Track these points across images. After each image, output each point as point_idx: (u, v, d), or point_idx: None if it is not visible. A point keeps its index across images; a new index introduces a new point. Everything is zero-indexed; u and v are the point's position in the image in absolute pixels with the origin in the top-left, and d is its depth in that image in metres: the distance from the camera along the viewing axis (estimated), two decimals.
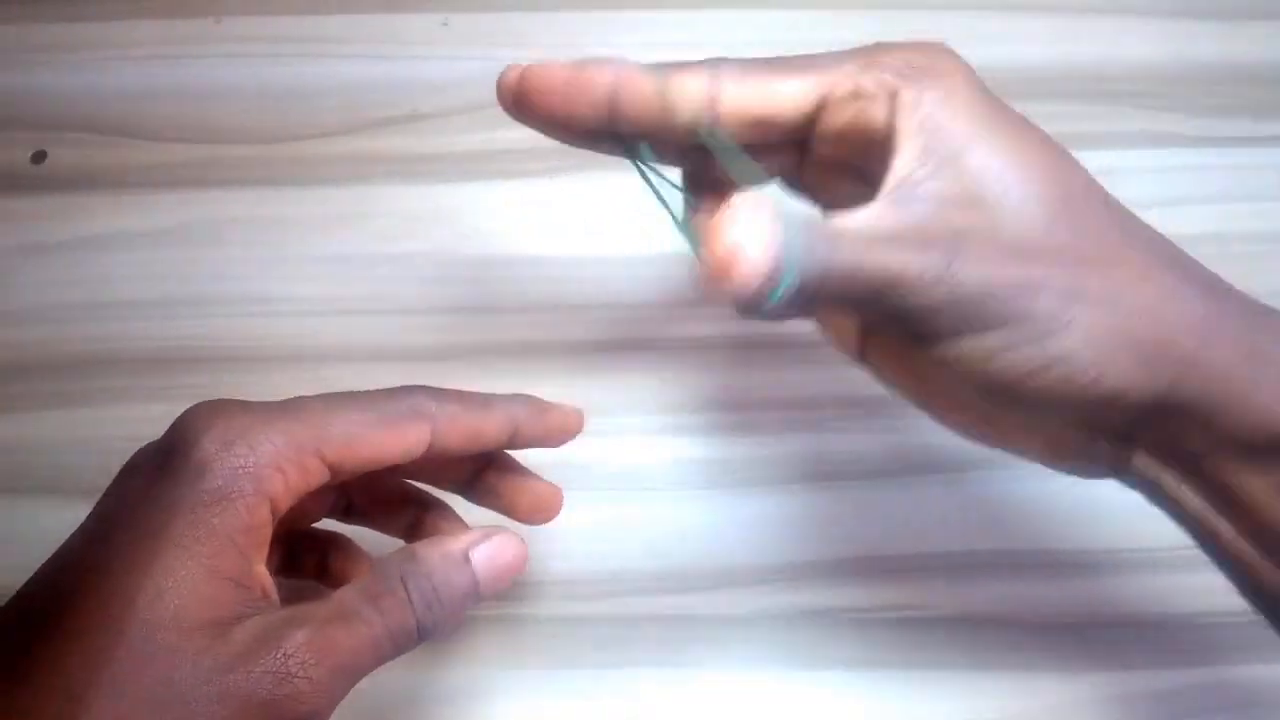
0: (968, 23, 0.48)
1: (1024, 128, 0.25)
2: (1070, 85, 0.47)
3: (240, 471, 0.25)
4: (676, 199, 0.29)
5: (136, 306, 0.42)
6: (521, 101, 0.27)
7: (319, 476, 0.27)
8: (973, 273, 0.24)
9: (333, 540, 0.33)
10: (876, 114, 0.25)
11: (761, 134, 0.27)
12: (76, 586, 0.24)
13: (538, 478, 0.32)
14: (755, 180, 0.26)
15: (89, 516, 0.26)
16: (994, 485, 0.38)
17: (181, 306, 0.42)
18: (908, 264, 0.23)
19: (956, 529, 0.38)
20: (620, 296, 0.42)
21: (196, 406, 0.27)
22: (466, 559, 0.27)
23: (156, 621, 0.23)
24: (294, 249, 0.44)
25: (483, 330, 0.42)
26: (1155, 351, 0.24)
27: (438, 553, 0.27)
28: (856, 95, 0.26)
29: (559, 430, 0.31)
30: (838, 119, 0.26)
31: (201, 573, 0.24)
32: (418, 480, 0.32)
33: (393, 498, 0.33)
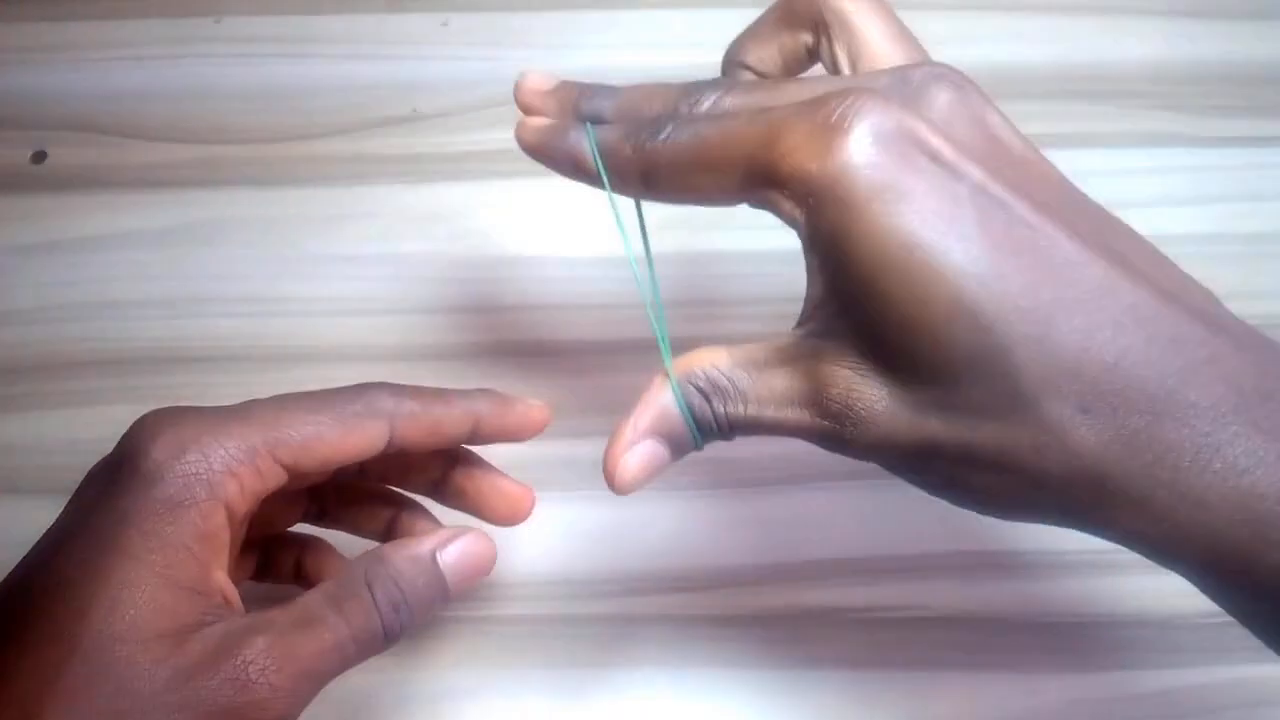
0: (967, 23, 0.48)
1: (942, 245, 0.22)
2: (1070, 85, 0.47)
3: (193, 478, 0.25)
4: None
5: (136, 306, 0.42)
6: (523, 148, 0.29)
7: (275, 479, 0.27)
8: (867, 437, 0.24)
9: (307, 544, 0.33)
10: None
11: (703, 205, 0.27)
12: (32, 600, 0.24)
13: (507, 477, 0.32)
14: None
15: (48, 530, 0.26)
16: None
17: (181, 306, 0.42)
18: (800, 425, 0.25)
19: (956, 529, 0.38)
20: (620, 296, 0.42)
21: (146, 416, 0.26)
22: (434, 560, 0.27)
23: (112, 633, 0.23)
24: (294, 249, 0.44)
25: (482, 330, 0.42)
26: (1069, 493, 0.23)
27: (404, 554, 0.27)
28: (767, 209, 0.24)
29: (521, 424, 0.31)
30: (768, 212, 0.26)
31: (157, 582, 0.24)
32: (386, 482, 0.32)
33: (366, 500, 0.33)
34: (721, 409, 0.25)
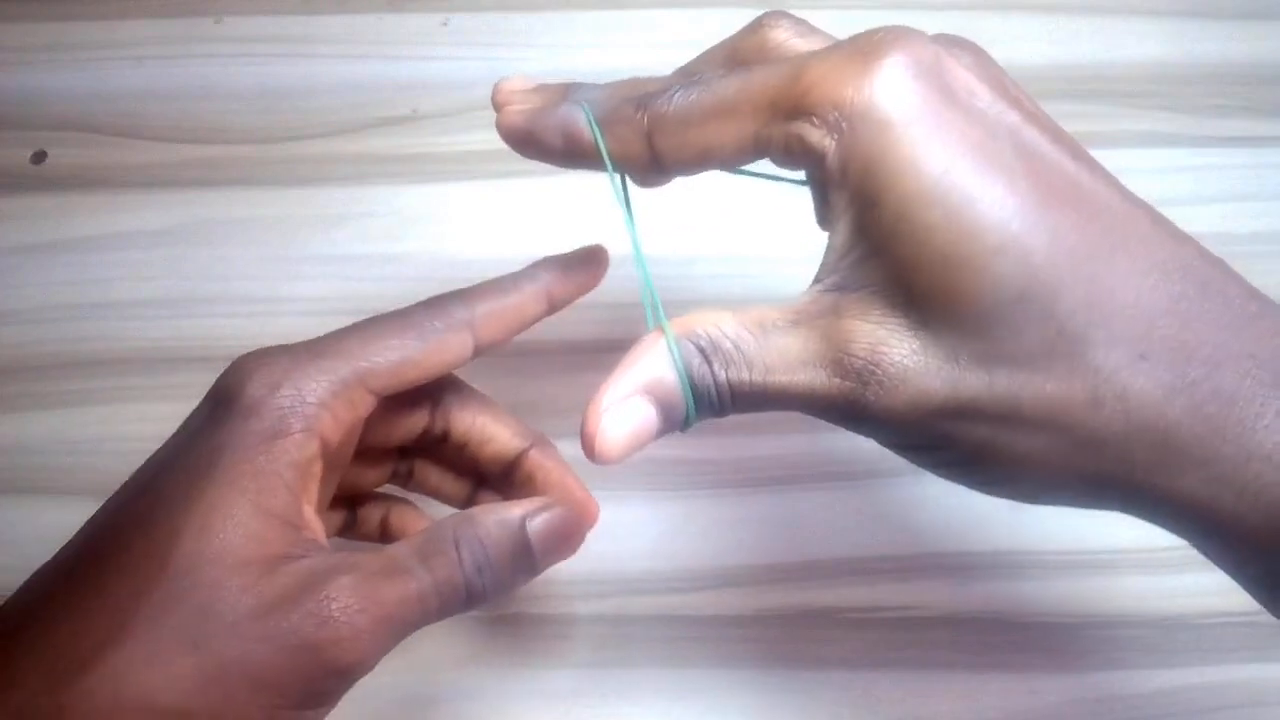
0: (967, 23, 0.48)
1: (988, 177, 0.21)
2: (1070, 85, 0.47)
3: (287, 412, 0.25)
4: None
5: (136, 306, 0.42)
6: (506, 137, 0.28)
7: (366, 406, 0.27)
8: (895, 399, 0.22)
9: (394, 504, 0.33)
10: (813, 174, 0.23)
11: (711, 168, 0.26)
12: (132, 521, 0.25)
13: (577, 480, 0.31)
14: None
15: (150, 457, 0.27)
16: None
17: (181, 306, 0.42)
18: (815, 389, 0.22)
19: (957, 529, 0.38)
20: (621, 296, 0.42)
21: (242, 356, 0.27)
22: (522, 526, 0.26)
23: (201, 556, 0.23)
24: (294, 249, 0.44)
25: None
26: (1106, 467, 0.21)
27: (493, 517, 0.26)
28: (788, 151, 0.23)
29: (589, 272, 0.31)
30: (785, 163, 0.24)
31: (250, 509, 0.24)
32: (466, 452, 0.32)
33: (451, 467, 0.33)
34: (723, 374, 0.23)
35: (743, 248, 0.43)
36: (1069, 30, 0.48)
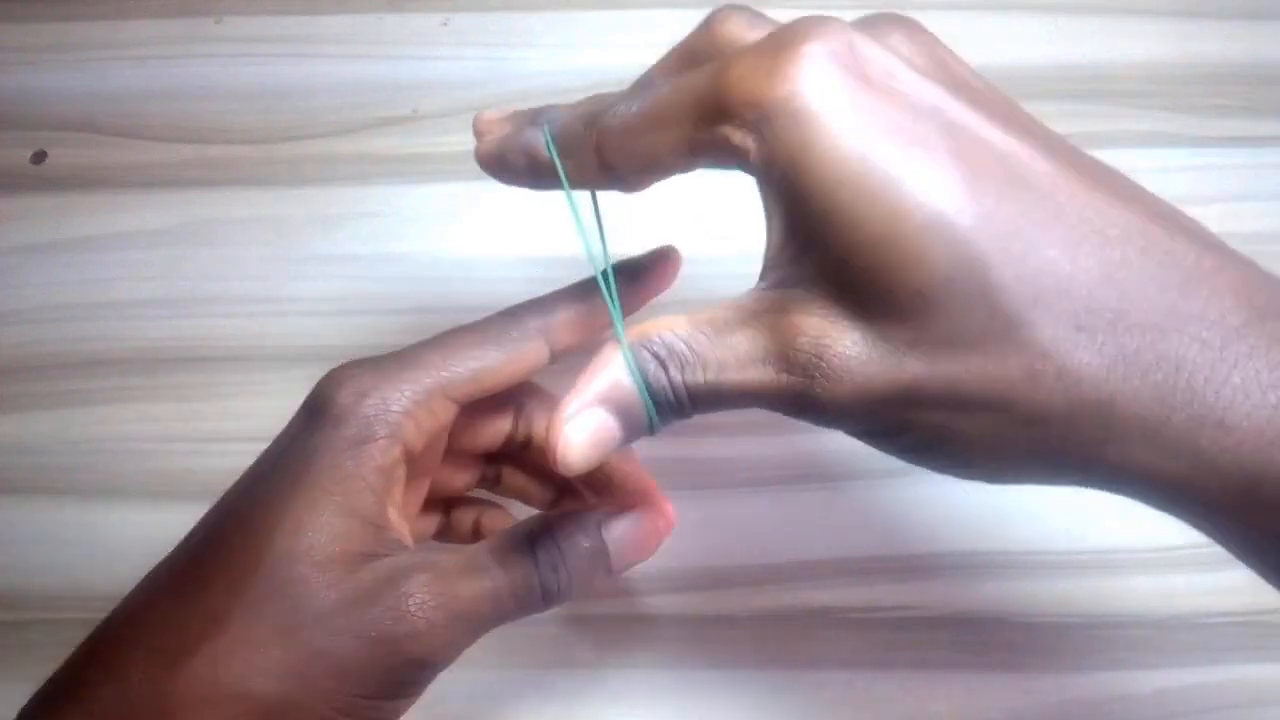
0: (967, 23, 0.48)
1: (908, 157, 0.20)
2: (1070, 85, 0.47)
3: (373, 419, 0.27)
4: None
5: (136, 306, 0.42)
6: (482, 164, 0.29)
7: (447, 414, 0.28)
8: (840, 389, 0.22)
9: (485, 507, 0.34)
10: (745, 170, 0.23)
11: (662, 176, 0.26)
12: (229, 524, 0.27)
13: (653, 488, 0.31)
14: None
15: (253, 464, 0.28)
16: (994, 485, 0.38)
17: (181, 306, 0.42)
18: (765, 385, 0.23)
19: (957, 529, 0.38)
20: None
21: (334, 369, 0.28)
22: (598, 529, 0.28)
23: (293, 553, 0.25)
24: (293, 249, 0.44)
25: None
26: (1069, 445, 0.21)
27: (570, 520, 0.28)
28: (718, 155, 0.23)
29: (659, 271, 0.31)
30: (718, 165, 0.24)
31: (337, 511, 0.26)
32: (543, 471, 0.33)
33: (535, 472, 0.34)
34: (679, 377, 0.23)
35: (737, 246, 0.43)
36: (1069, 30, 0.48)
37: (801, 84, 0.21)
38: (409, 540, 0.28)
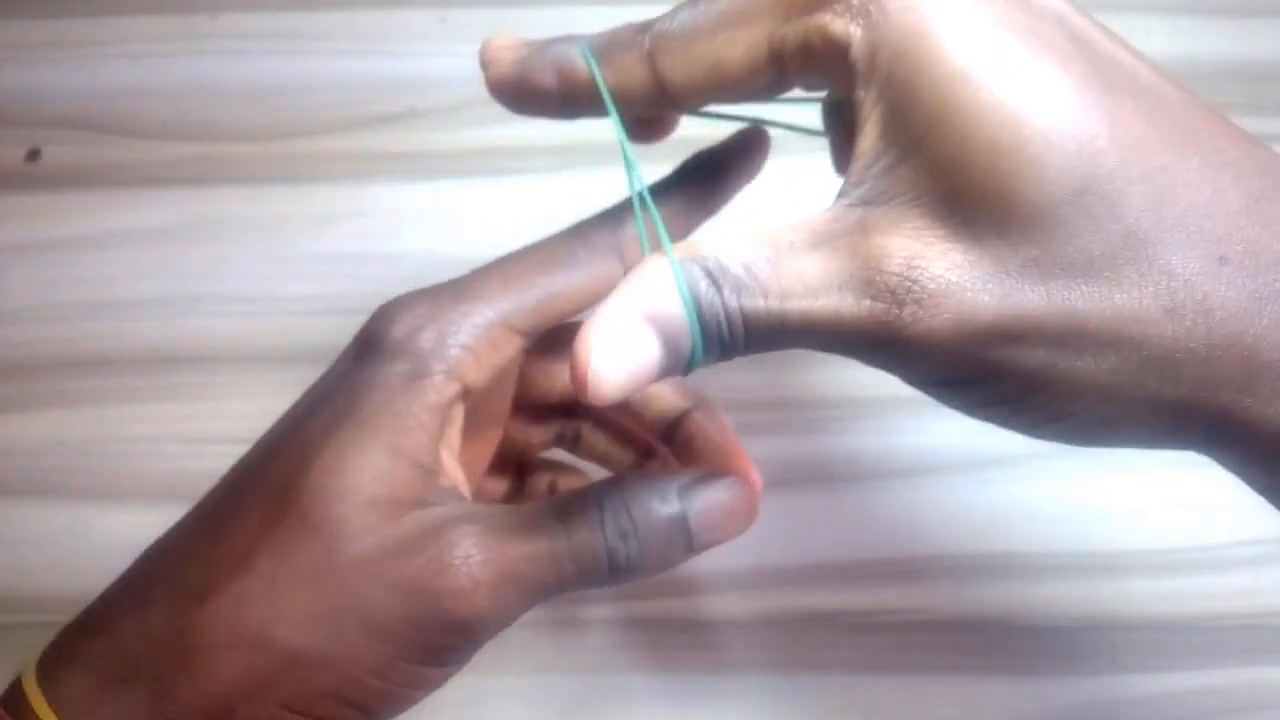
0: None
1: (1039, 56, 0.18)
2: None
3: (429, 354, 0.24)
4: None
5: (133, 305, 0.42)
6: (496, 91, 0.26)
7: (511, 347, 0.25)
8: (936, 320, 0.19)
9: (561, 469, 0.32)
10: (836, 76, 0.20)
11: (724, 94, 0.23)
12: (268, 458, 0.25)
13: (738, 453, 0.28)
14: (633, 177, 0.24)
15: (300, 398, 0.27)
16: (994, 486, 0.38)
17: (178, 305, 0.42)
18: (841, 315, 0.19)
19: (960, 532, 0.38)
20: None
21: (385, 303, 0.26)
22: (677, 496, 0.24)
23: (329, 492, 0.23)
24: (291, 247, 0.43)
25: None
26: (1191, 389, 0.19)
27: (645, 484, 0.24)
28: (806, 52, 0.20)
29: (747, 158, 0.27)
30: (804, 67, 0.21)
31: (382, 449, 0.23)
32: (628, 416, 0.30)
33: (616, 431, 0.31)
34: (734, 301, 0.19)
35: None
36: None
37: None
38: (464, 490, 0.25)
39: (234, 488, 0.25)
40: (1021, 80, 0.18)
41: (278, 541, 0.23)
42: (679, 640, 0.36)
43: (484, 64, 0.26)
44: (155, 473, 0.39)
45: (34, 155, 0.45)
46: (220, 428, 0.40)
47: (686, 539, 0.24)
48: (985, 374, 0.19)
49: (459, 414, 0.25)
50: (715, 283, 0.20)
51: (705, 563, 0.37)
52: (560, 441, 0.31)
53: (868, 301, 0.19)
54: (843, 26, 0.19)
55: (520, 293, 0.25)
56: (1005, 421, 0.21)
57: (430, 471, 0.24)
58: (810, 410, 0.40)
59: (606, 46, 0.24)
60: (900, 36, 0.19)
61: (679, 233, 0.27)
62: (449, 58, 0.48)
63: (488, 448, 0.29)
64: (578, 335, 0.20)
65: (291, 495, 0.23)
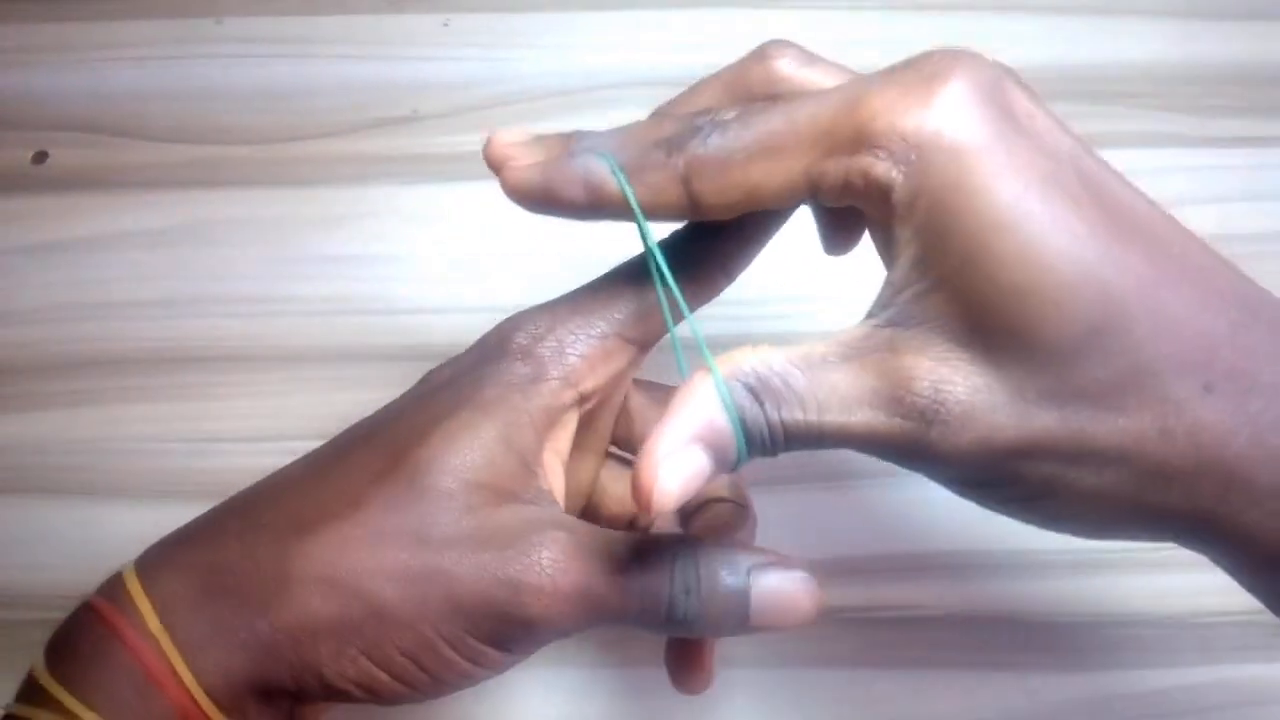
0: (966, 23, 0.48)
1: (1059, 206, 0.20)
2: (1070, 85, 0.47)
3: (548, 360, 0.26)
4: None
5: (136, 306, 0.42)
6: (516, 198, 0.27)
7: (625, 355, 0.27)
8: (962, 438, 0.21)
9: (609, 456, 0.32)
10: (873, 210, 0.22)
11: (755, 211, 0.24)
12: (393, 419, 0.27)
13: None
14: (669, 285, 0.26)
15: (417, 384, 0.28)
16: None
17: (181, 306, 0.42)
18: (875, 430, 0.21)
19: (957, 529, 0.38)
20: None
21: (511, 315, 0.28)
22: (746, 573, 0.24)
23: (440, 464, 0.24)
24: (294, 249, 0.44)
25: (483, 330, 0.42)
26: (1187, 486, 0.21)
27: (717, 552, 0.25)
28: (847, 188, 0.22)
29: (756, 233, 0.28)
30: (840, 198, 0.23)
31: (495, 438, 0.25)
32: None
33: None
34: (776, 414, 0.22)
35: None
36: (1069, 30, 0.48)
37: (956, 117, 0.20)
38: (559, 497, 0.26)
39: (351, 444, 0.27)
40: (1043, 230, 0.20)
41: (386, 495, 0.24)
42: None
43: (495, 165, 0.27)
44: (162, 471, 0.39)
45: (41, 157, 0.46)
46: (226, 427, 0.40)
47: (744, 614, 0.25)
48: (1003, 480, 0.22)
49: (572, 420, 0.27)
50: (757, 398, 0.22)
51: None
52: None
53: (899, 420, 0.21)
54: (885, 171, 0.21)
55: (626, 304, 0.27)
56: (1021, 517, 0.23)
57: (532, 470, 0.26)
58: None
59: (638, 165, 0.24)
60: (939, 186, 0.20)
61: (698, 301, 0.28)
62: (452, 62, 0.48)
63: (594, 462, 0.30)
64: (638, 461, 0.21)
65: (407, 458, 0.25)
